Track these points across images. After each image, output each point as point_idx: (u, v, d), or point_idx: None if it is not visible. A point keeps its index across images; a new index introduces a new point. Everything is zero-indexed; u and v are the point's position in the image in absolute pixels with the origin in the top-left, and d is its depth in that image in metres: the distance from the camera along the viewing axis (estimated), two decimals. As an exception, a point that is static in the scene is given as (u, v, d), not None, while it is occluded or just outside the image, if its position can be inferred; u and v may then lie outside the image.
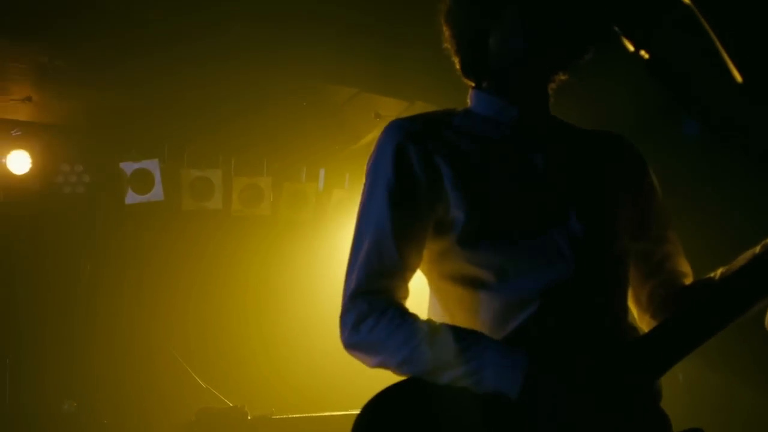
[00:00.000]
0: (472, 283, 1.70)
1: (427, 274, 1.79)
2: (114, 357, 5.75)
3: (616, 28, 1.54)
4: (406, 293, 1.73)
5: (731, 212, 4.00)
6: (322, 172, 6.46)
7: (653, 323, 1.89)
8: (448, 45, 1.86)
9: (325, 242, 6.24)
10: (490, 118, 1.80)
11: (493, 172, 1.74)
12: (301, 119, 5.82)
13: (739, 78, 1.45)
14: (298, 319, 6.01)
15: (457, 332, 1.61)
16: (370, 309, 1.66)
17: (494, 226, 1.69)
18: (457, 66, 1.87)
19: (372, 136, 5.70)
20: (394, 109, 5.44)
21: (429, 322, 1.65)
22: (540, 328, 1.64)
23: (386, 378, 1.63)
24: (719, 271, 1.85)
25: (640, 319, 1.95)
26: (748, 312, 1.62)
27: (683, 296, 1.88)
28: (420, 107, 5.23)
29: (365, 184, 1.78)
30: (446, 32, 1.85)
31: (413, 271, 1.75)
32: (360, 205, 1.77)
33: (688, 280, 1.92)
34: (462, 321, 1.68)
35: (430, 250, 1.75)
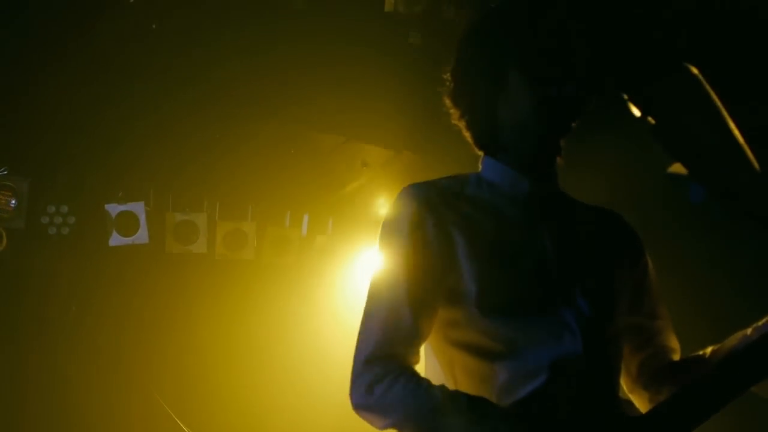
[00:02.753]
0: (481, 353, 1.74)
1: (433, 338, 1.82)
2: (97, 400, 5.69)
3: (623, 94, 1.60)
4: (418, 359, 1.78)
5: (731, 280, 4.04)
6: (305, 218, 6.48)
7: (644, 394, 1.98)
8: (456, 122, 1.90)
9: (307, 287, 6.24)
10: (502, 189, 1.85)
11: (504, 245, 1.79)
12: (287, 166, 5.86)
13: (744, 144, 1.51)
14: (281, 362, 5.99)
15: (470, 402, 1.64)
16: (385, 372, 1.69)
17: (506, 300, 1.74)
18: (470, 140, 1.91)
19: (357, 184, 5.75)
20: (380, 157, 5.50)
21: (442, 389, 1.67)
22: (546, 399, 1.70)
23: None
24: (709, 350, 1.91)
25: (630, 390, 2.01)
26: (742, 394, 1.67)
27: (673, 372, 1.96)
28: (407, 157, 5.30)
29: (381, 252, 1.82)
30: (453, 112, 1.90)
31: (425, 339, 1.79)
32: (376, 272, 1.81)
33: (677, 356, 2.01)
34: (467, 387, 1.73)
35: (439, 317, 1.79)
